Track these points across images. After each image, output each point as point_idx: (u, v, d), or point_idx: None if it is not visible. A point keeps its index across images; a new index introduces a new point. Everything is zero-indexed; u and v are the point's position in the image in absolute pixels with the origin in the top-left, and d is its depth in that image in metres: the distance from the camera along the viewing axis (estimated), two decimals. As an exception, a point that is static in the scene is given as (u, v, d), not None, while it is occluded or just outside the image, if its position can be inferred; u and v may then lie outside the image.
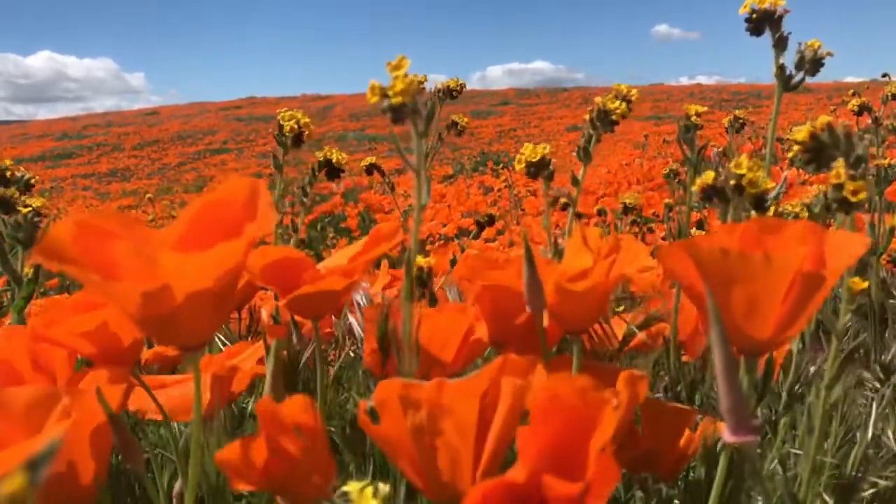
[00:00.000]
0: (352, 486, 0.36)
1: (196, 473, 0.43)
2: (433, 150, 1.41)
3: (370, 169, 1.35)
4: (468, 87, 1.40)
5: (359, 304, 0.75)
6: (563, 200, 0.83)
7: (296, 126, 0.98)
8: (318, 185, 1.21)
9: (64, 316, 0.50)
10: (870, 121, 1.51)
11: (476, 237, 2.32)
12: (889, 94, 1.60)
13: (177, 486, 0.51)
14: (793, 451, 0.64)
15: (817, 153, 0.52)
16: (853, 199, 0.50)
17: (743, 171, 0.63)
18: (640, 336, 0.81)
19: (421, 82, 1.34)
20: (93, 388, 0.39)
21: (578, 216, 1.41)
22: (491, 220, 1.55)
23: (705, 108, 0.84)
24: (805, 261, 0.41)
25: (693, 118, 0.81)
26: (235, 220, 0.39)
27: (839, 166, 0.50)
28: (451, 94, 1.38)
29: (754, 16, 0.68)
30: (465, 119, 1.38)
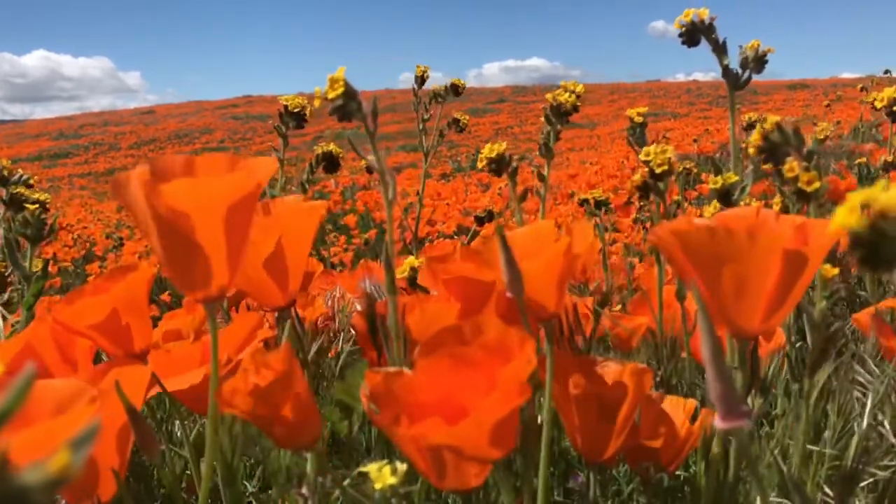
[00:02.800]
0: (370, 467, 0.37)
1: (214, 440, 0.44)
2: (433, 147, 1.42)
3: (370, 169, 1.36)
4: (466, 85, 1.41)
5: (369, 294, 0.76)
6: (581, 196, 0.84)
7: (299, 102, 1.02)
8: (318, 183, 1.22)
9: (78, 298, 0.52)
10: (886, 115, 1.51)
11: (475, 234, 2.32)
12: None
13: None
14: (791, 443, 0.65)
15: (771, 151, 0.55)
16: (808, 189, 0.52)
17: (650, 158, 0.66)
18: (619, 329, 0.83)
19: (425, 71, 1.35)
20: (114, 383, 0.41)
21: (598, 204, 1.42)
22: (490, 216, 1.56)
23: (645, 108, 0.87)
24: (789, 240, 0.42)
25: (636, 118, 0.84)
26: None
27: (791, 161, 0.53)
28: (456, 91, 1.39)
29: (684, 29, 0.71)
30: (466, 117, 1.39)
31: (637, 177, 0.68)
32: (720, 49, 0.71)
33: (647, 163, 0.67)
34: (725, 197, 0.64)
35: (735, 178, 0.64)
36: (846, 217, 0.24)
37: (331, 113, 0.46)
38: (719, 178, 0.65)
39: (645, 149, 0.70)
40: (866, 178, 1.06)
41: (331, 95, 0.45)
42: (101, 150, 23.94)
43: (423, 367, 0.40)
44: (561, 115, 0.81)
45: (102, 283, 0.55)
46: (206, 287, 0.44)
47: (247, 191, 0.42)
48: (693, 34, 0.70)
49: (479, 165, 0.77)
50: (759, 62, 0.70)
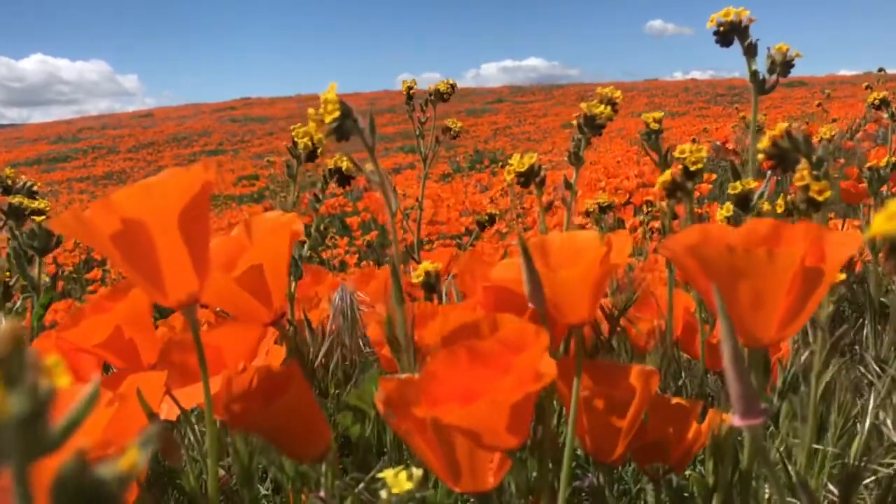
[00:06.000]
0: (386, 473, 0.39)
1: (213, 441, 0.45)
2: (431, 151, 1.43)
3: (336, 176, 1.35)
4: (463, 86, 1.42)
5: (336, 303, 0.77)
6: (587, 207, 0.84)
7: (310, 143, 0.99)
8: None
9: (80, 318, 0.53)
10: (885, 115, 1.51)
11: (477, 238, 2.34)
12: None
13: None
14: (795, 441, 0.66)
15: (781, 158, 0.56)
16: (819, 199, 0.53)
17: (685, 155, 0.66)
18: (633, 332, 0.83)
19: (411, 87, 1.36)
20: (133, 390, 0.42)
21: (603, 209, 1.43)
22: (492, 220, 1.57)
23: (662, 114, 0.86)
24: (806, 257, 0.43)
25: (652, 124, 0.83)
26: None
27: (802, 169, 0.54)
28: (441, 96, 1.40)
29: (721, 28, 0.70)
30: (458, 123, 1.40)
31: (666, 175, 0.67)
32: (752, 52, 0.70)
33: (681, 160, 0.67)
34: (744, 202, 0.65)
35: (754, 185, 0.64)
36: (885, 224, 0.24)
37: (327, 135, 0.47)
38: (738, 183, 0.65)
39: (680, 147, 0.70)
40: (878, 181, 1.07)
41: (328, 119, 0.46)
42: (99, 154, 23.91)
43: (441, 358, 0.41)
44: (594, 126, 0.79)
45: (104, 302, 0.56)
46: (176, 293, 0.45)
47: (195, 190, 0.44)
48: (729, 34, 0.69)
49: (508, 178, 0.76)
50: (786, 66, 0.70)
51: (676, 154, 0.67)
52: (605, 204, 1.26)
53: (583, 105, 0.78)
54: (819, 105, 7.28)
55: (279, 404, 0.49)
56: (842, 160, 3.98)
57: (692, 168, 0.67)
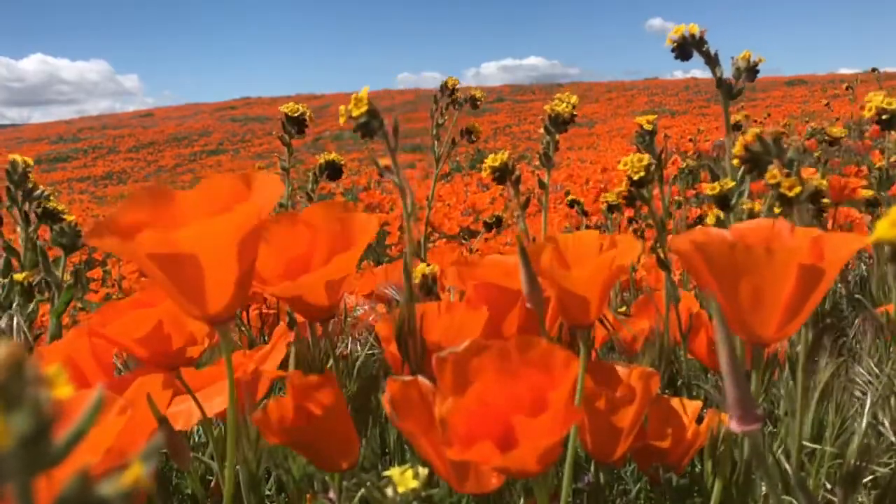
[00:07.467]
0: (392, 471, 0.39)
1: (232, 454, 0.46)
2: (445, 153, 1.43)
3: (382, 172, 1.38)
4: (463, 85, 1.42)
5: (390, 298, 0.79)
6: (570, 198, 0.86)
7: (298, 108, 1.07)
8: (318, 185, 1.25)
9: (119, 314, 0.53)
10: (877, 123, 1.49)
11: (480, 237, 2.35)
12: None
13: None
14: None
15: (754, 161, 0.57)
16: (790, 194, 0.55)
17: (627, 168, 0.70)
18: (628, 334, 0.85)
19: (456, 83, 1.36)
20: (144, 392, 0.42)
21: (584, 212, 1.44)
22: (499, 222, 1.58)
23: (655, 116, 0.91)
24: (805, 254, 0.44)
25: (646, 125, 0.87)
26: (237, 196, 0.44)
27: (773, 168, 0.56)
28: (475, 103, 1.40)
29: (675, 44, 0.74)
30: (479, 126, 1.41)
31: (622, 187, 0.71)
32: (713, 61, 0.74)
33: (627, 173, 0.71)
34: (723, 202, 0.67)
35: (732, 184, 0.67)
36: (888, 230, 0.25)
37: (354, 130, 0.49)
38: (717, 184, 0.67)
39: (623, 159, 0.75)
40: (886, 182, 1.07)
41: (355, 113, 0.49)
42: (99, 154, 23.91)
43: (475, 390, 0.40)
44: (559, 124, 0.85)
45: (145, 298, 0.57)
46: (215, 309, 0.44)
47: (255, 223, 0.42)
48: (685, 48, 0.73)
49: (483, 175, 0.80)
50: (751, 72, 0.73)
51: (620, 166, 0.72)
52: (614, 203, 1.27)
53: (546, 107, 0.84)
54: (827, 104, 7.29)
55: (319, 419, 0.49)
56: (838, 160, 3.98)
57: (636, 178, 0.72)
